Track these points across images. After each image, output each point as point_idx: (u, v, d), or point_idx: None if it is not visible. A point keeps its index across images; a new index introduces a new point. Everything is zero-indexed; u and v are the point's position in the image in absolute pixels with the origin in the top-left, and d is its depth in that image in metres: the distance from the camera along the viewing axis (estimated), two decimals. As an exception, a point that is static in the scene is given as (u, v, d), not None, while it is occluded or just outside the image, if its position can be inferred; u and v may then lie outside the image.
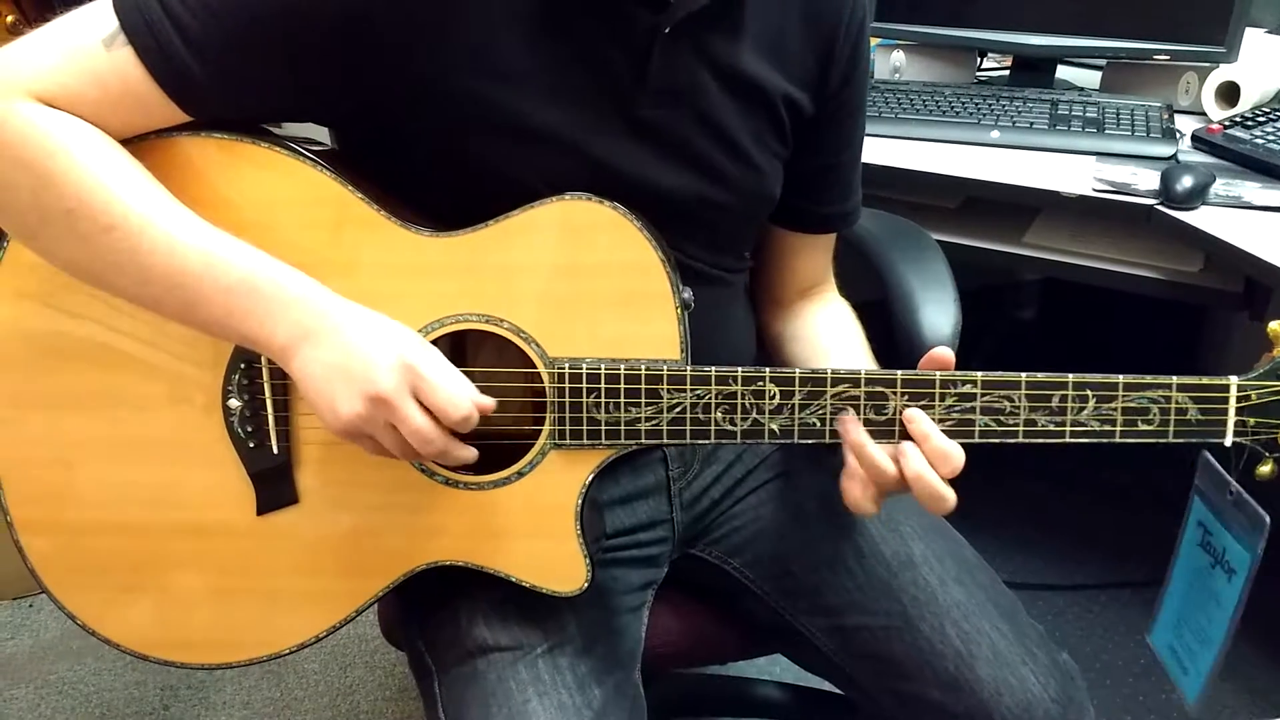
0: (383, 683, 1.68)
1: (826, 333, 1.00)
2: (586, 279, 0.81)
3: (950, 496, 0.77)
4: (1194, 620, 0.88)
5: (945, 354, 0.80)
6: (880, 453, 0.78)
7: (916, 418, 0.79)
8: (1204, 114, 1.59)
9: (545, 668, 0.86)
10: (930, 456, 0.77)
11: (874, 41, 1.77)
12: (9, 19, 1.63)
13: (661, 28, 0.81)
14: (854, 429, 0.79)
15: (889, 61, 1.77)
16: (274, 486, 0.86)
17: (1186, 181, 1.30)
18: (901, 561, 0.95)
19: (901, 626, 0.92)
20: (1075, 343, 2.37)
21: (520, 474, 0.84)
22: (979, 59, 1.83)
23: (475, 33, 0.78)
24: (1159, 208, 1.31)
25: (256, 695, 1.65)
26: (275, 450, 0.85)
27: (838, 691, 1.03)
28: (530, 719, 0.82)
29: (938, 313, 1.13)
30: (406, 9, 0.77)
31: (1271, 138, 1.42)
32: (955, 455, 0.77)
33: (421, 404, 0.76)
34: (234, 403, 0.84)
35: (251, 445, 0.85)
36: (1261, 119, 1.48)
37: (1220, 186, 1.31)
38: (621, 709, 0.87)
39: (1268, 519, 0.79)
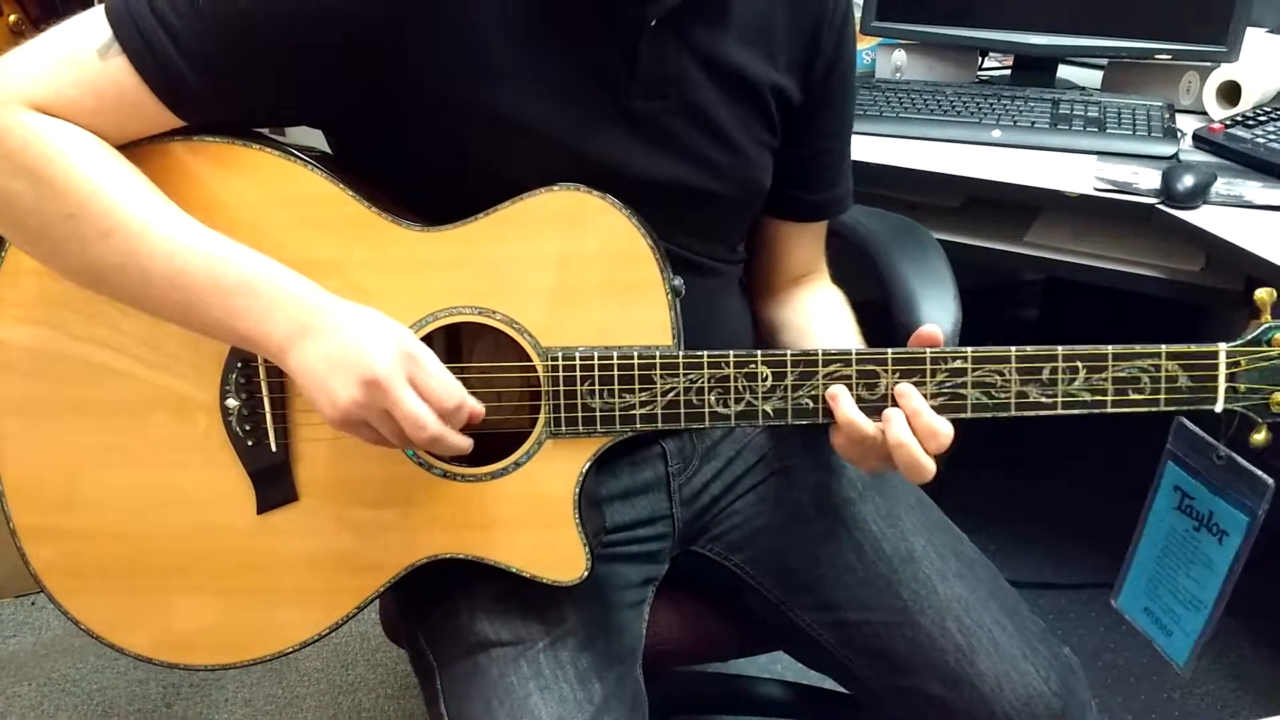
0: (384, 680, 1.68)
1: (815, 317, 1.00)
2: (577, 268, 0.81)
3: (930, 466, 0.78)
4: (1175, 582, 0.88)
5: (934, 331, 0.81)
6: (870, 425, 0.79)
7: (907, 393, 0.80)
8: (1205, 113, 1.59)
9: (546, 662, 0.86)
10: (919, 432, 0.78)
11: (875, 41, 1.77)
12: (11, 19, 1.63)
13: (648, 20, 0.81)
14: (845, 404, 0.80)
15: (890, 61, 1.76)
16: (273, 485, 0.86)
17: (1188, 181, 1.30)
18: (902, 557, 0.95)
19: (902, 621, 0.92)
20: (1076, 341, 2.36)
21: (517, 464, 0.84)
22: (980, 58, 1.82)
23: (466, 32, 0.79)
24: (1160, 207, 1.31)
25: (259, 693, 1.65)
26: (273, 448, 0.85)
27: (839, 689, 1.03)
28: (532, 713, 0.83)
29: (938, 312, 1.14)
30: (415, 12, 0.77)
31: (1273, 137, 1.42)
32: (943, 432, 0.78)
33: (417, 391, 0.76)
34: (232, 402, 0.85)
35: (250, 444, 0.85)
36: (1262, 118, 1.47)
37: (1221, 186, 1.31)
38: (622, 703, 0.87)
39: (1271, 482, 0.80)
